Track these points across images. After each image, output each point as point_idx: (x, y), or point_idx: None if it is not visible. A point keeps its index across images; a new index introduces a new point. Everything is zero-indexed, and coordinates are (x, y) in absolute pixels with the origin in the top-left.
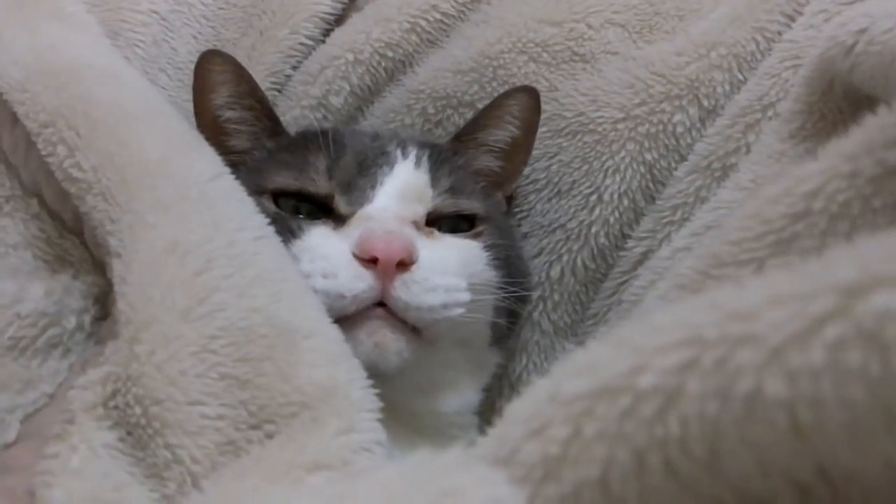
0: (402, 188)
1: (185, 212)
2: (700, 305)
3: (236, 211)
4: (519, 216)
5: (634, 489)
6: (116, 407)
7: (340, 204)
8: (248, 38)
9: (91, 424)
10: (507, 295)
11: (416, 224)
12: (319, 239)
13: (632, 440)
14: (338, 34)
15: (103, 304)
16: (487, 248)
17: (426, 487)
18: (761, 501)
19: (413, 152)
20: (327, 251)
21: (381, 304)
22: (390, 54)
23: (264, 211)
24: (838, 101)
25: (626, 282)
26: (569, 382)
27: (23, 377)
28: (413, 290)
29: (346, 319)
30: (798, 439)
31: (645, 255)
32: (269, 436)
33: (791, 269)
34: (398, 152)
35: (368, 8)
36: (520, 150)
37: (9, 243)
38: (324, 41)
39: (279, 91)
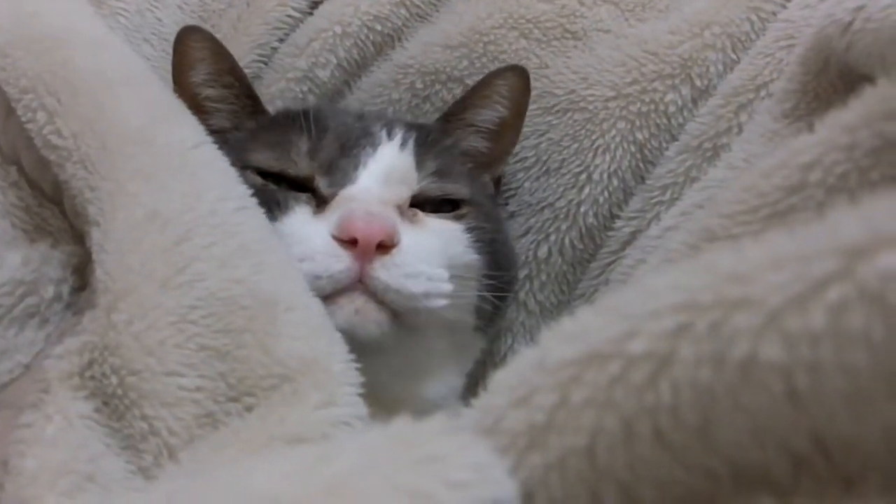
0: (386, 170)
1: (166, 180)
2: (694, 269)
3: (218, 180)
4: (507, 195)
5: (622, 459)
6: (93, 377)
7: (321, 185)
8: (235, 9)
9: (67, 394)
10: (490, 280)
11: (399, 208)
12: (298, 224)
13: (621, 408)
14: (326, 6)
15: (82, 274)
16: (470, 230)
17: (408, 452)
18: (754, 471)
19: (399, 134)
20: (306, 235)
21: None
22: (379, 28)
23: (249, 183)
24: (833, 80)
25: (613, 262)
26: (556, 349)
27: None
28: (393, 273)
29: (327, 297)
30: (794, 406)
31: (633, 236)
32: (249, 408)
33: (791, 232)
34: (383, 133)
35: None
36: (508, 130)
37: None
38: (311, 14)
39: (265, 63)
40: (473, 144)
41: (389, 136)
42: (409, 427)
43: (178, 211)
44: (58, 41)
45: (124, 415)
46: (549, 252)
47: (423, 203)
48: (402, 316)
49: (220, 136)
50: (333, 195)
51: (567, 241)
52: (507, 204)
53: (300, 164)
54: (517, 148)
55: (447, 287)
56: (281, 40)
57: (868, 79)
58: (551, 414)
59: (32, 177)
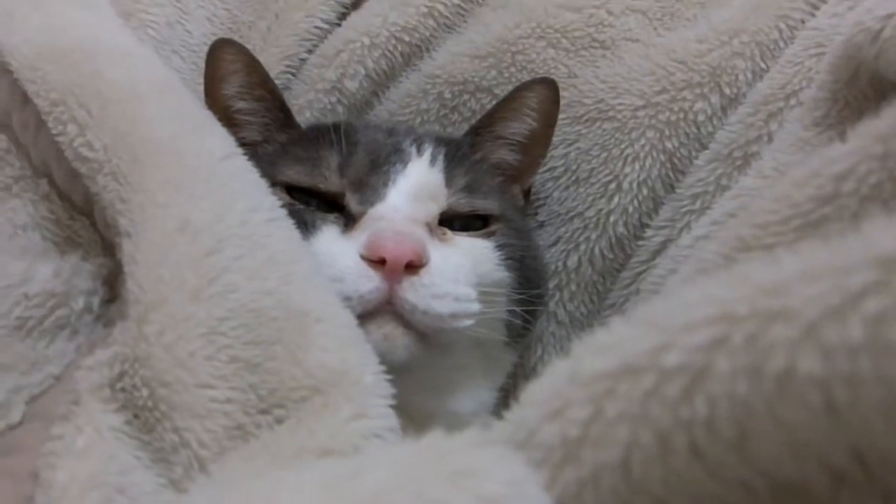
0: (416, 187)
1: (197, 191)
2: (730, 280)
3: (249, 191)
4: (536, 204)
5: (658, 473)
6: (123, 389)
7: (351, 202)
8: (264, 21)
9: (97, 406)
10: (519, 295)
11: (428, 225)
12: (326, 244)
13: (656, 421)
14: (354, 17)
15: (112, 286)
16: (500, 247)
17: (440, 466)
18: (793, 486)
19: (428, 150)
20: (334, 257)
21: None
22: (407, 38)
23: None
24: (863, 88)
25: (644, 272)
26: (590, 361)
27: (29, 358)
28: (421, 294)
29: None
30: (833, 420)
31: (664, 245)
32: (279, 420)
33: (826, 243)
34: (413, 149)
35: None
36: (538, 142)
37: (17, 224)
38: (340, 24)
39: (294, 75)
40: (503, 157)
41: (419, 151)
42: (442, 440)
43: (209, 222)
44: (87, 53)
45: (155, 427)
46: (579, 262)
47: (452, 219)
48: (430, 336)
49: (251, 150)
50: (363, 213)
51: (597, 250)
52: (536, 214)
53: (330, 180)
54: (546, 157)
55: (475, 307)
56: (310, 51)
57: None
58: (585, 428)
59: (63, 189)
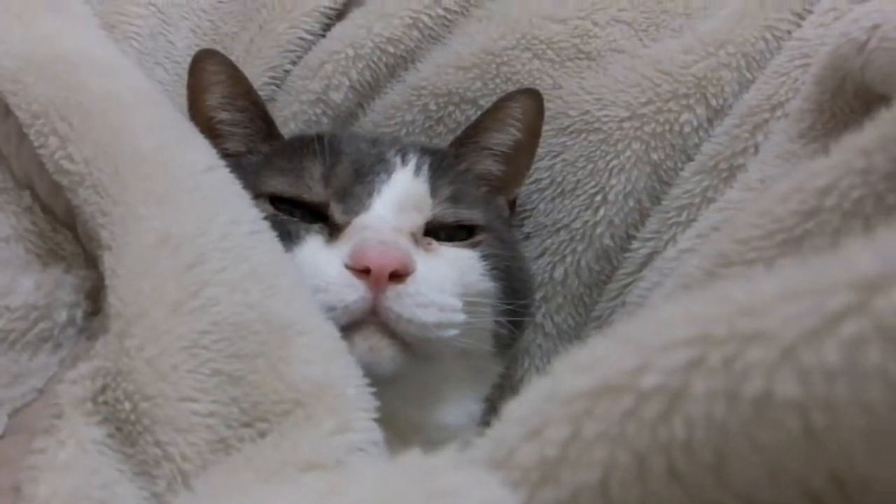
0: (401, 197)
1: (179, 203)
2: (708, 300)
3: (231, 203)
4: (522, 216)
5: (636, 495)
6: (106, 402)
7: (336, 212)
8: (247, 32)
9: (80, 420)
10: (506, 306)
11: (413, 235)
12: (310, 254)
13: (634, 443)
14: (338, 29)
15: (95, 299)
16: (486, 257)
17: (419, 486)
18: None
19: (413, 160)
20: (318, 266)
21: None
22: (391, 50)
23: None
24: (849, 99)
25: (630, 284)
26: (569, 380)
27: (12, 371)
28: (406, 303)
29: (341, 331)
30: (811, 444)
31: (650, 257)
32: (262, 434)
33: (805, 263)
34: (397, 159)
35: (370, 2)
36: (523, 153)
37: (0, 236)
38: (324, 36)
39: (278, 86)
40: (488, 168)
41: (404, 161)
42: (423, 459)
43: (191, 235)
44: (69, 65)
45: (137, 440)
46: (566, 274)
47: (437, 229)
48: (415, 346)
49: (234, 161)
50: (347, 223)
51: (583, 262)
52: (522, 225)
53: (314, 190)
54: (532, 169)
55: (460, 318)
56: (293, 63)
57: (885, 99)
58: (563, 448)
59: (46, 202)
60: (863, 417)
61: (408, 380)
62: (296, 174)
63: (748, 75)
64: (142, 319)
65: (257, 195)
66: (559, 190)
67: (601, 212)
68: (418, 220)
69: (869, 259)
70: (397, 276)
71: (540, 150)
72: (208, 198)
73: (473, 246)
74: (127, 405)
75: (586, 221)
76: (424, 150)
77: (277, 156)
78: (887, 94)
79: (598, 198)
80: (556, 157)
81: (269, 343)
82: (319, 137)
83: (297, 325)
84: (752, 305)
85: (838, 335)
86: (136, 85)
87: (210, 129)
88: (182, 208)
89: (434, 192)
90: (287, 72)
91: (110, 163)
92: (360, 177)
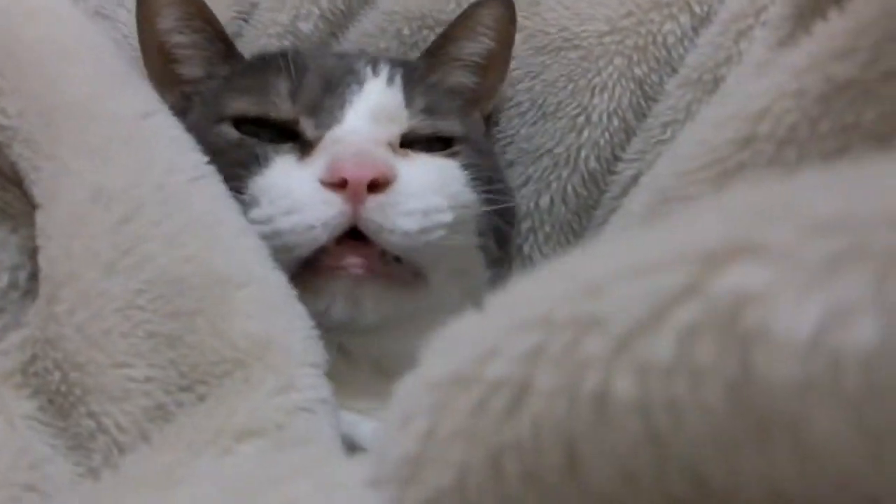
0: (374, 108)
1: (112, 155)
2: (559, 271)
3: (169, 151)
4: (503, 142)
5: (493, 499)
6: (36, 373)
7: (307, 128)
8: None
9: (10, 393)
10: (490, 212)
11: (391, 146)
12: (280, 174)
13: (485, 441)
14: None
15: None
16: (466, 167)
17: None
18: None
19: (385, 70)
20: (289, 186)
21: (354, 237)
22: None
23: (224, 139)
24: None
25: (616, 208)
26: (431, 362)
27: None
28: (388, 213)
29: (319, 268)
30: (659, 449)
31: (635, 179)
32: (202, 398)
33: (661, 223)
34: (367, 70)
35: None
36: (496, 63)
37: None
38: None
39: (245, 21)
40: (460, 80)
41: (374, 72)
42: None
43: (124, 187)
44: (3, 14)
45: (70, 413)
46: (552, 201)
47: (413, 142)
48: (406, 264)
49: (193, 86)
50: (320, 138)
51: (569, 188)
52: (504, 153)
53: (282, 107)
54: (511, 92)
55: (446, 217)
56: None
57: None
58: (423, 444)
59: None
60: (705, 422)
61: (400, 320)
62: (260, 92)
63: None
64: (72, 282)
65: (220, 119)
66: (540, 113)
67: (585, 133)
68: (394, 130)
69: (710, 223)
70: (376, 185)
71: (518, 72)
72: (144, 147)
73: (452, 156)
74: (57, 375)
75: (570, 145)
76: (395, 62)
77: (239, 76)
78: None
79: (581, 119)
80: (535, 77)
81: (207, 299)
82: (283, 54)
83: (239, 277)
84: (593, 283)
85: (672, 324)
86: (76, 31)
87: (164, 54)
88: (116, 160)
89: (409, 102)
90: (254, 5)
91: (42, 115)
92: (330, 89)
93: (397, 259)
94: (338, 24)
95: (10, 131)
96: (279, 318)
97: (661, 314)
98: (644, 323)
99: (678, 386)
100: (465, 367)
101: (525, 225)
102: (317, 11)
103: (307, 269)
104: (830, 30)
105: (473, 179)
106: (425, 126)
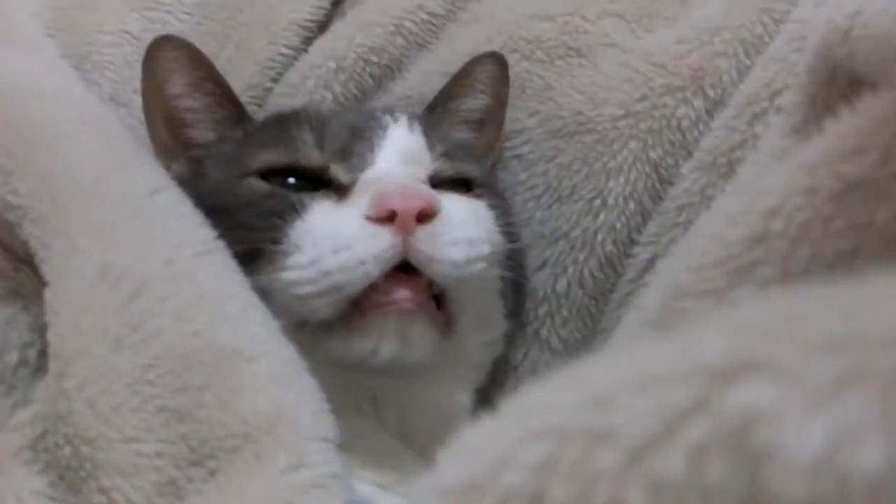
0: (402, 150)
1: (120, 233)
2: (571, 380)
3: (176, 226)
4: (519, 226)
5: None
6: (46, 449)
7: (339, 173)
8: (225, 52)
9: (19, 470)
10: (509, 256)
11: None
12: (322, 217)
13: None
14: (319, 43)
15: None
16: (490, 208)
17: None
18: None
19: (403, 118)
20: (333, 226)
21: (400, 271)
22: (375, 59)
23: (253, 191)
24: (843, 89)
25: (632, 292)
26: (446, 469)
27: None
28: (436, 243)
29: (367, 306)
30: None
31: (651, 262)
32: (212, 473)
33: (672, 335)
34: (387, 118)
35: (351, 14)
36: (492, 120)
37: None
38: (305, 51)
39: (259, 106)
40: (461, 135)
41: (394, 119)
42: None
43: (132, 264)
44: (13, 96)
45: (81, 488)
46: (569, 285)
47: (437, 185)
48: (446, 298)
49: (206, 150)
50: (354, 181)
51: (586, 272)
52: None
53: (310, 155)
54: (525, 175)
55: (486, 248)
56: (274, 80)
57: (875, 86)
58: None
59: (6, 241)
60: None
61: (432, 367)
62: (286, 144)
63: (747, 62)
64: (82, 358)
65: (244, 174)
66: (556, 196)
67: (601, 217)
68: (422, 172)
69: (718, 337)
70: (424, 216)
71: (534, 156)
72: (152, 223)
73: (478, 197)
74: (67, 450)
75: (586, 228)
76: (410, 113)
77: (259, 133)
78: (876, 83)
79: (597, 202)
80: (550, 161)
81: (216, 373)
82: (301, 109)
83: (247, 351)
84: (604, 394)
85: (682, 440)
86: (84, 111)
87: (174, 120)
88: (124, 237)
89: (430, 146)
90: (268, 90)
91: (51, 194)
92: (356, 136)
93: (436, 298)
94: (351, 109)
95: (21, 210)
96: (289, 392)
97: (671, 429)
98: (655, 438)
99: (689, 503)
100: (479, 476)
101: (542, 309)
102: (330, 97)
103: (355, 309)
104: (842, 128)
105: (497, 220)
106: (447, 168)
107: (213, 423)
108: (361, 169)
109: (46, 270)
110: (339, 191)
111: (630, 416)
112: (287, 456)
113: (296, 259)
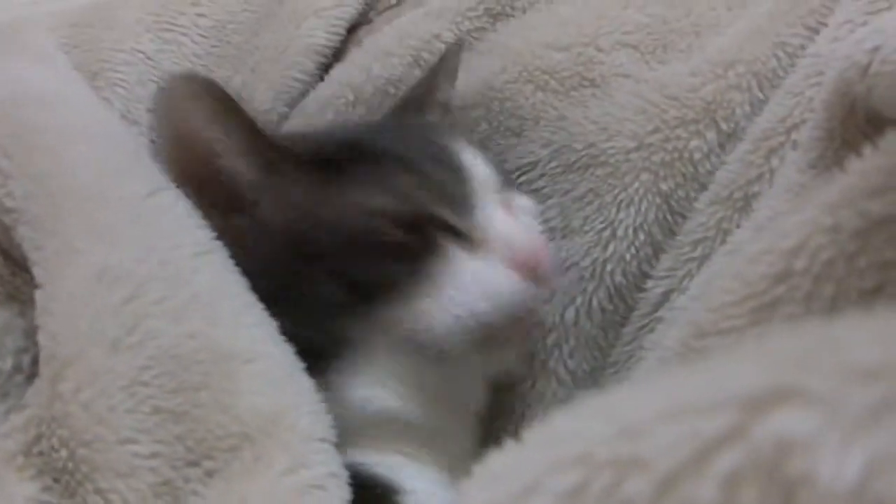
0: (485, 182)
1: (119, 235)
2: (598, 409)
3: (174, 227)
4: None
5: None
6: (41, 453)
7: (449, 218)
8: (239, 76)
9: (12, 477)
10: None
11: None
12: (460, 264)
13: None
14: (337, 71)
15: None
16: None
17: None
18: None
19: (468, 148)
20: (476, 276)
21: None
22: (392, 91)
23: (377, 236)
24: (861, 125)
25: (646, 326)
26: (472, 495)
27: None
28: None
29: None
30: None
31: (666, 296)
32: (209, 473)
33: (704, 365)
34: (466, 152)
35: (367, 41)
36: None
37: None
38: (321, 77)
39: None
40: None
41: (469, 152)
42: None
43: (129, 266)
44: (17, 102)
45: (76, 491)
46: (577, 315)
47: None
48: None
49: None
50: (472, 228)
51: (595, 302)
52: None
53: (418, 202)
54: (542, 209)
55: None
56: (288, 105)
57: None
58: None
59: (3, 245)
60: None
61: None
62: (386, 187)
63: (760, 95)
64: (78, 361)
65: (352, 215)
66: (568, 228)
67: (611, 248)
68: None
69: (752, 369)
70: None
71: (548, 190)
72: (150, 225)
73: None
74: (63, 453)
75: (595, 259)
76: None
77: (343, 172)
78: (894, 119)
79: (607, 233)
80: (565, 195)
81: (213, 374)
82: (366, 143)
83: (244, 352)
84: (632, 423)
85: (716, 468)
86: (84, 113)
87: (208, 177)
88: (122, 240)
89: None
90: (282, 115)
91: (49, 196)
92: (453, 175)
93: None
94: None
95: (16, 213)
96: (286, 392)
97: (703, 458)
98: (687, 466)
99: None
100: (506, 502)
101: (550, 339)
102: None
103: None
104: (864, 166)
105: None
106: (507, 198)
107: (210, 423)
108: (471, 214)
109: (38, 272)
110: (458, 235)
111: (662, 444)
112: (286, 457)
113: (435, 302)
